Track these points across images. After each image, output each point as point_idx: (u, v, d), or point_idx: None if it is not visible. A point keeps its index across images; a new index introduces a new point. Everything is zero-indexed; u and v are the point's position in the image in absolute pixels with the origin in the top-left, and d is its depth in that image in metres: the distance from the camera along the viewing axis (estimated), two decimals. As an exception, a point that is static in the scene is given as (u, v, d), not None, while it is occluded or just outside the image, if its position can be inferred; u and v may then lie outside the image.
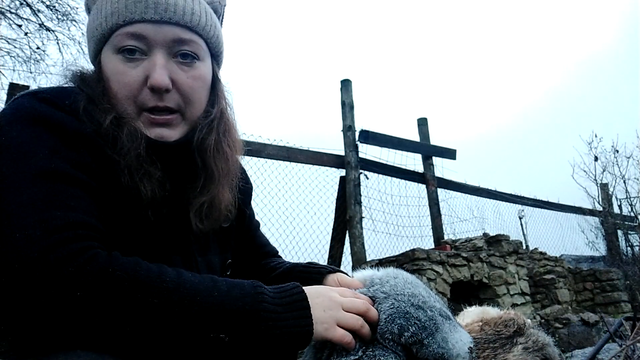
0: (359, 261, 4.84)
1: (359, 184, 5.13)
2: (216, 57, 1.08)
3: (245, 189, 1.21)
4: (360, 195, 5.12)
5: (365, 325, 0.86)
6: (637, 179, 8.93)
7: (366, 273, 1.00)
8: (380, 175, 5.58)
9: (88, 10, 1.04)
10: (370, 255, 5.06)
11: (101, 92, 0.95)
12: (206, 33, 1.01)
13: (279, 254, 1.34)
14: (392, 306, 0.90)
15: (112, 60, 0.95)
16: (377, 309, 0.90)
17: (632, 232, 8.81)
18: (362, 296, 0.91)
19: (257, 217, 1.32)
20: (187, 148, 0.99)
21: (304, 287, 0.87)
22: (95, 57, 1.00)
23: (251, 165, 4.63)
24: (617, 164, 9.03)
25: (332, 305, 0.86)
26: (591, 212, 8.80)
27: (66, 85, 0.98)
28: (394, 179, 5.73)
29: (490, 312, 1.32)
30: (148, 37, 0.94)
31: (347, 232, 5.05)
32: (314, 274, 1.10)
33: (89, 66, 1.05)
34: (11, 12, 7.21)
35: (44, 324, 0.71)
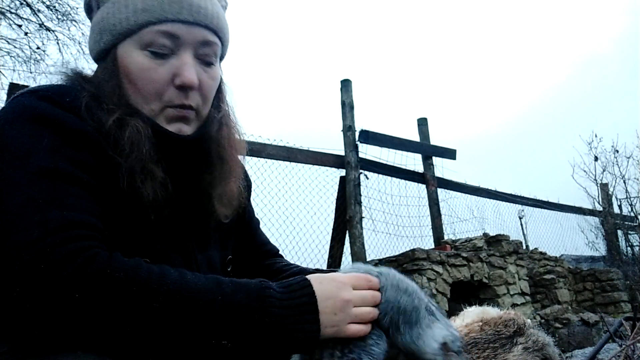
0: (359, 261, 4.84)
1: (359, 184, 5.13)
2: (222, 58, 1.11)
3: (246, 184, 1.22)
4: (360, 195, 5.12)
5: (375, 313, 0.88)
6: (637, 179, 8.94)
7: (362, 267, 1.01)
8: (380, 175, 5.58)
9: (96, 2, 1.03)
10: (370, 255, 5.06)
11: (114, 88, 0.95)
12: (223, 36, 1.04)
13: (279, 254, 1.34)
14: (386, 288, 0.91)
15: (137, 55, 0.95)
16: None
17: (632, 232, 8.82)
18: (374, 279, 0.91)
19: (257, 217, 1.32)
20: (200, 142, 1.02)
21: (313, 284, 0.85)
22: (108, 50, 0.98)
23: (251, 165, 4.63)
24: (617, 164, 9.04)
25: (343, 306, 0.85)
26: (591, 212, 8.80)
27: (65, 83, 0.98)
28: (394, 179, 5.73)
29: (490, 312, 1.32)
30: (180, 36, 0.96)
31: (347, 232, 5.05)
32: None
33: (89, 66, 1.05)
34: (11, 12, 7.21)
35: (44, 325, 0.71)
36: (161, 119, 0.97)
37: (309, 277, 0.87)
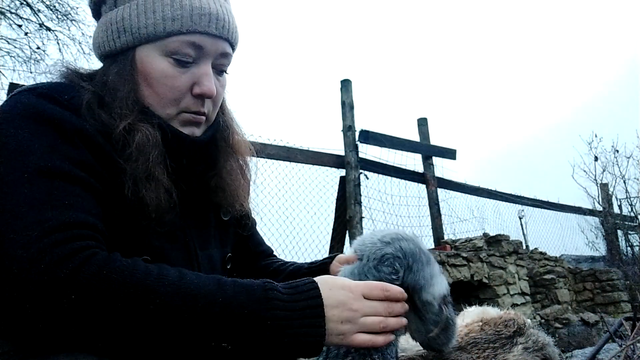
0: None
1: (359, 184, 5.13)
2: None
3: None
4: (360, 195, 5.12)
5: (387, 323, 0.85)
6: (637, 179, 8.94)
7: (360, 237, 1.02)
8: (380, 175, 5.58)
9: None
10: (370, 255, 5.03)
11: (129, 91, 0.95)
12: (236, 48, 1.08)
13: (279, 254, 1.35)
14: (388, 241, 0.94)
15: (160, 61, 0.97)
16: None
17: (632, 232, 8.81)
18: (392, 289, 0.87)
19: (256, 217, 1.33)
20: (209, 144, 1.06)
21: (321, 289, 0.82)
22: (124, 51, 0.98)
23: (256, 165, 4.61)
24: (617, 164, 9.04)
25: (351, 317, 0.82)
26: (591, 212, 8.79)
27: (64, 81, 0.97)
28: (394, 179, 5.73)
29: (490, 312, 1.32)
30: (204, 48, 0.98)
31: (347, 232, 5.04)
32: (318, 272, 1.10)
33: (89, 66, 1.05)
34: (11, 12, 7.21)
35: (42, 326, 0.71)
36: (175, 122, 0.99)
37: (317, 279, 0.84)
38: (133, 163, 0.89)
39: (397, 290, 0.88)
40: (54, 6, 7.51)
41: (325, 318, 0.80)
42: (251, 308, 0.77)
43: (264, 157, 4.71)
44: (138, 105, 0.95)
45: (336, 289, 0.83)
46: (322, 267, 1.14)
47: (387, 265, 0.92)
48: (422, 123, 6.27)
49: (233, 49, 1.06)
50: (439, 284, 0.95)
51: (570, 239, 8.72)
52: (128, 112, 0.93)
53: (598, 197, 8.95)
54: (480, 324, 1.24)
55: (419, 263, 0.93)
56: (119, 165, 0.89)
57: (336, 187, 5.20)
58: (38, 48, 7.43)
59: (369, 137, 5.33)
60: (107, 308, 0.71)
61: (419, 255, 0.93)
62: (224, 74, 1.06)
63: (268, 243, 1.36)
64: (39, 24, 7.45)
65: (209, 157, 1.07)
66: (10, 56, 7.20)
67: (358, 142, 5.27)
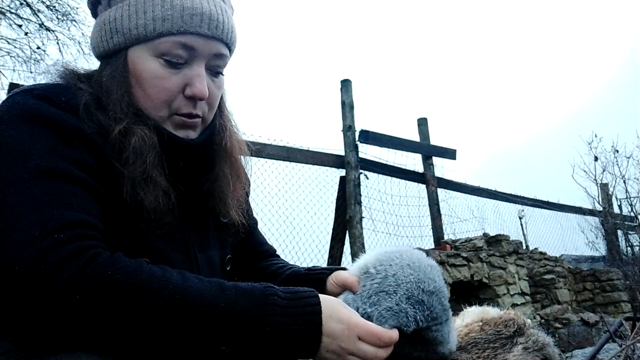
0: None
1: (359, 184, 5.13)
2: None
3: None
4: (360, 195, 5.12)
5: None
6: (637, 179, 8.94)
7: (360, 262, 1.00)
8: (380, 175, 5.58)
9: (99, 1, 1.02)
10: (370, 255, 5.04)
11: (123, 94, 0.94)
12: (234, 49, 1.06)
13: (279, 254, 1.34)
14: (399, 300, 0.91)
15: (151, 62, 0.96)
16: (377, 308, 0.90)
17: (632, 232, 8.82)
18: (387, 337, 0.86)
19: (256, 217, 1.32)
20: (205, 146, 1.05)
21: (323, 316, 0.83)
22: (117, 51, 0.98)
23: (251, 165, 4.61)
24: (617, 164, 9.03)
25: (339, 351, 0.84)
26: (591, 212, 8.80)
27: (62, 82, 0.97)
28: (394, 179, 5.73)
29: (490, 312, 1.32)
30: (196, 49, 0.97)
31: (347, 232, 5.04)
32: (316, 281, 1.10)
33: (89, 66, 1.05)
34: (11, 12, 7.21)
35: (44, 325, 0.71)
36: (168, 125, 0.98)
37: (322, 300, 0.85)
38: (130, 166, 0.89)
39: (390, 337, 0.87)
40: (54, 6, 7.52)
41: (322, 327, 0.82)
42: (252, 313, 0.78)
43: (264, 157, 4.72)
44: (132, 107, 0.95)
45: (334, 321, 0.84)
46: (320, 277, 1.11)
47: (411, 303, 0.91)
48: (422, 123, 6.27)
49: (229, 50, 1.04)
50: (453, 341, 0.99)
51: (570, 239, 8.73)
52: (122, 115, 0.92)
53: (598, 197, 8.95)
54: (480, 324, 1.24)
55: (438, 325, 0.94)
56: (118, 170, 0.89)
57: (336, 187, 5.20)
58: (38, 48, 7.44)
59: (369, 137, 5.33)
60: (111, 308, 0.71)
61: (441, 313, 0.94)
62: (220, 75, 1.04)
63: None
64: (39, 24, 7.45)
65: (205, 159, 1.06)
66: (10, 56, 7.21)
67: (358, 142, 5.27)
